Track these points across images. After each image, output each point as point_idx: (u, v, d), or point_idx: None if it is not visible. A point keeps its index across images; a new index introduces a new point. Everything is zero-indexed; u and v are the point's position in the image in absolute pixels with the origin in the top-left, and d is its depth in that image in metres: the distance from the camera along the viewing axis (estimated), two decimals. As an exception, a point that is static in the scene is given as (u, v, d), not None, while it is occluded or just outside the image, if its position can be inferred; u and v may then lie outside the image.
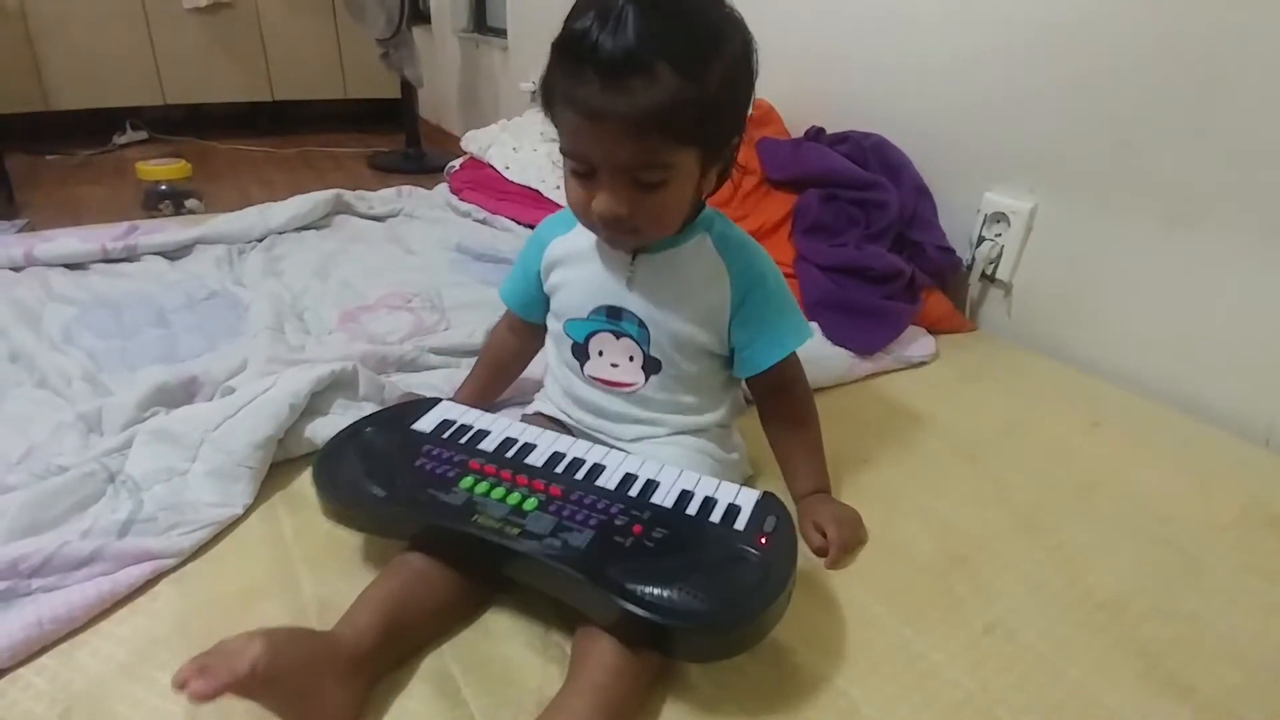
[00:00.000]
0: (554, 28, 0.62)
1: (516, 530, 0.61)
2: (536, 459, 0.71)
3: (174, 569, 0.70)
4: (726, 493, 0.67)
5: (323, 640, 0.56)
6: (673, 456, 0.76)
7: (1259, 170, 0.98)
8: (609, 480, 0.68)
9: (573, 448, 0.73)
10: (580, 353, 0.79)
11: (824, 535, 0.75)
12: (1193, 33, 1.01)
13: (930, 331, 1.26)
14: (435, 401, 0.80)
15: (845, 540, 0.75)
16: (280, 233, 1.57)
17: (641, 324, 0.74)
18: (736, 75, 0.63)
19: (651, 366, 0.76)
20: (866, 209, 1.31)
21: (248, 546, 0.74)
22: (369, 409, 0.87)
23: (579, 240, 0.77)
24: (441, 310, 1.25)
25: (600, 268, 0.75)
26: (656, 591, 0.56)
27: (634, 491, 0.67)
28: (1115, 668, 0.65)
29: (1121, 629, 0.69)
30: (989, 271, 1.33)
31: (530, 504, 0.64)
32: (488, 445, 0.72)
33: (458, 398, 0.91)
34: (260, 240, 1.54)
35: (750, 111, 0.69)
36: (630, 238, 0.68)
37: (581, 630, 0.60)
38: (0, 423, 0.89)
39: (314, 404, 0.87)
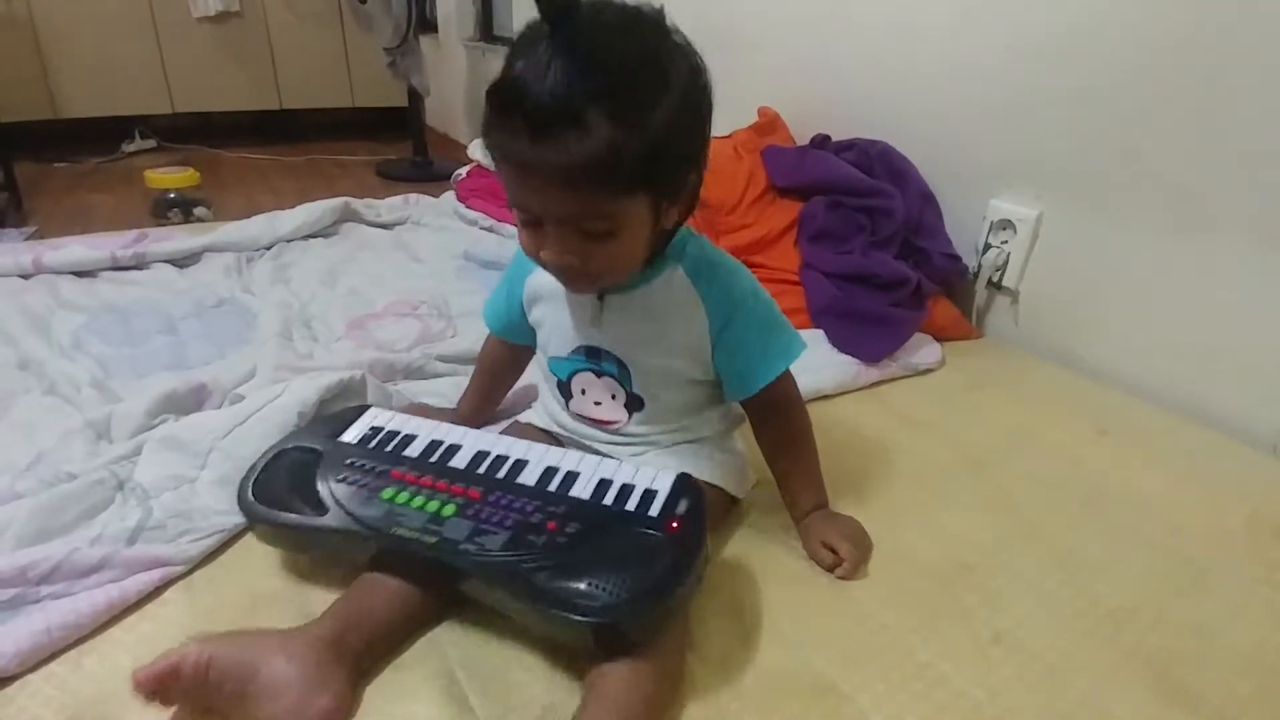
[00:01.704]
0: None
1: (434, 539, 0.62)
2: (460, 460, 0.71)
3: (183, 576, 0.71)
4: (644, 477, 0.68)
5: (272, 634, 0.58)
6: (676, 465, 0.74)
7: (1267, 175, 0.97)
8: (529, 476, 0.69)
9: (496, 445, 0.73)
10: (564, 390, 0.78)
11: (834, 552, 0.74)
12: (1198, 38, 1.01)
13: (936, 339, 1.25)
14: (364, 409, 0.80)
15: (857, 558, 0.74)
16: (288, 240, 1.58)
17: (621, 363, 0.73)
18: (684, 110, 0.58)
19: (634, 404, 0.75)
20: (872, 216, 1.31)
21: (256, 554, 0.74)
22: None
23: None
24: (449, 318, 1.26)
25: (572, 307, 0.74)
26: (566, 585, 0.57)
27: (553, 486, 0.68)
28: (1124, 678, 0.65)
29: (1130, 638, 0.69)
30: (995, 278, 1.32)
31: (448, 510, 0.65)
32: (413, 451, 0.73)
33: (460, 409, 0.91)
34: (268, 248, 1.55)
35: (709, 140, 0.64)
36: (588, 284, 0.66)
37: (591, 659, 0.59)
38: (9, 430, 0.90)
39: (322, 412, 0.87)
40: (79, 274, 1.37)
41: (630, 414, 0.76)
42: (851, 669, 0.64)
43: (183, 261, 1.46)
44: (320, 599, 0.68)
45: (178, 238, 1.52)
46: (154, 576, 0.68)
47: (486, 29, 3.30)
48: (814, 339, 1.17)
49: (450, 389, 0.99)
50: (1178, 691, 0.63)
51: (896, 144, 1.40)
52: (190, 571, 0.71)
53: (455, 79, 3.47)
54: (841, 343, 1.17)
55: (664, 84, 0.56)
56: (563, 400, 0.79)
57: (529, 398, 0.95)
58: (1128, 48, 1.08)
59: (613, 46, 0.54)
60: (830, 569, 0.74)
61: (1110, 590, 0.74)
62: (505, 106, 0.55)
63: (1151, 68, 1.06)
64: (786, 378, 0.75)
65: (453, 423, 0.81)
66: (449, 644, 0.64)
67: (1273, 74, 0.94)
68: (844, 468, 0.87)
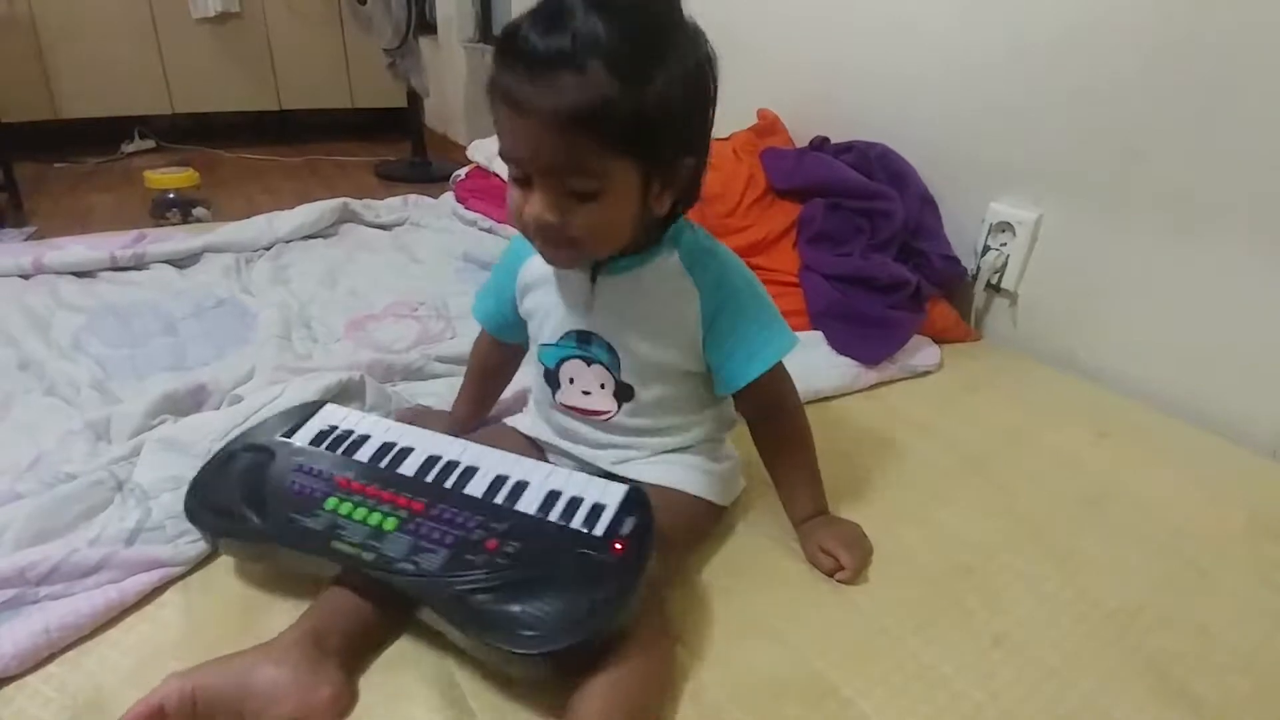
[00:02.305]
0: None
1: (372, 555, 0.62)
2: (410, 467, 0.71)
3: (181, 577, 0.70)
4: (594, 491, 0.67)
5: (249, 650, 0.58)
6: (660, 475, 0.74)
7: (1266, 178, 0.97)
8: (478, 486, 0.68)
9: (448, 449, 0.73)
10: (551, 379, 0.77)
11: (833, 557, 0.73)
12: (1199, 40, 1.01)
13: (935, 341, 1.25)
14: (319, 405, 0.79)
15: (858, 563, 0.74)
16: (287, 241, 1.58)
17: (611, 349, 0.72)
18: (685, 89, 0.59)
19: (623, 393, 0.74)
20: (871, 218, 1.31)
21: (255, 555, 0.74)
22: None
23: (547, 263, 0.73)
24: (447, 319, 1.26)
25: (564, 291, 0.73)
26: (500, 610, 0.56)
27: (500, 498, 0.67)
28: (1125, 679, 0.65)
29: (1131, 640, 0.69)
30: (994, 281, 1.32)
31: (390, 524, 0.64)
32: (363, 454, 0.72)
33: (455, 412, 0.91)
34: (268, 249, 1.55)
35: (711, 134, 0.65)
36: (566, 251, 0.64)
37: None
38: (9, 430, 0.90)
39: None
40: (79, 274, 1.37)
41: (619, 404, 0.75)
42: (852, 672, 0.64)
43: (182, 262, 1.46)
44: (320, 600, 0.68)
45: (177, 238, 1.51)
46: (153, 577, 0.68)
47: (486, 30, 3.30)
48: (813, 341, 1.18)
49: (448, 390, 0.99)
50: (1179, 693, 0.63)
51: (896, 146, 1.40)
52: (189, 573, 0.71)
53: (455, 80, 3.48)
54: (840, 345, 1.17)
55: (663, 56, 0.58)
56: (549, 392, 0.77)
57: (524, 402, 0.95)
58: (1127, 50, 1.08)
59: (628, 13, 0.56)
60: (829, 574, 0.74)
61: (1111, 592, 0.74)
62: (511, 47, 0.57)
63: (1151, 70, 1.06)
64: (780, 376, 0.74)
65: (449, 425, 0.81)
66: (447, 644, 0.63)
67: (1272, 76, 0.95)
68: (843, 470, 0.87)
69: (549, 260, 0.69)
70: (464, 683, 0.61)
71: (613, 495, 0.66)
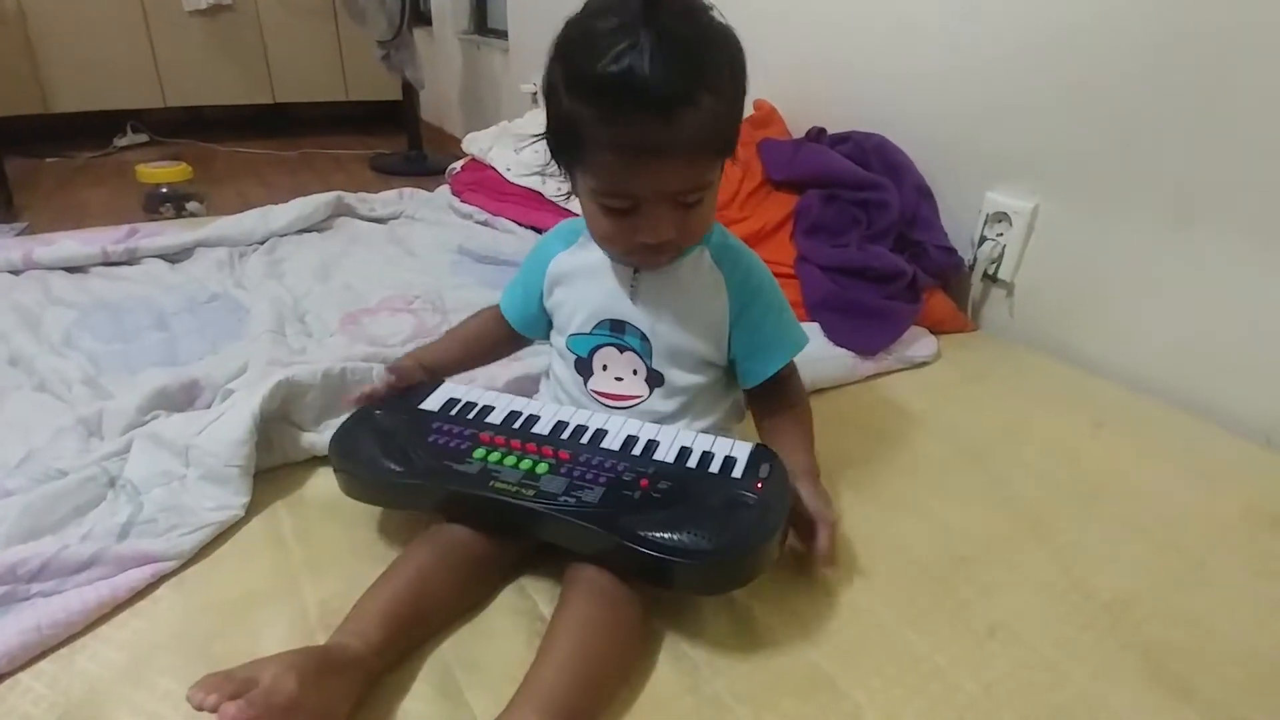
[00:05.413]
0: (555, 30, 0.62)
1: (531, 492, 0.65)
2: (542, 428, 0.74)
3: (174, 573, 0.70)
4: (722, 446, 0.71)
5: (331, 657, 0.56)
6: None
7: (1262, 169, 0.97)
8: (613, 443, 0.72)
9: (575, 416, 0.76)
10: (584, 368, 0.79)
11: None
12: (1196, 30, 1.00)
13: (932, 332, 1.25)
14: (439, 383, 0.82)
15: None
16: (282, 235, 1.57)
17: (644, 337, 0.75)
18: (741, 82, 0.65)
19: (654, 380, 0.77)
20: (868, 209, 1.31)
21: (248, 550, 0.74)
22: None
23: (580, 256, 0.77)
24: (443, 312, 1.25)
25: (603, 283, 0.76)
26: (666, 535, 0.61)
27: (637, 451, 0.71)
28: (1120, 670, 0.65)
29: (1126, 631, 0.69)
30: (991, 271, 1.32)
31: (542, 468, 0.68)
32: (495, 419, 0.75)
33: (420, 354, 0.86)
34: (261, 243, 1.54)
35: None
36: (670, 256, 0.70)
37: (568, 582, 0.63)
38: (0, 426, 0.89)
39: (298, 408, 0.87)
40: (70, 270, 1.36)
41: (651, 390, 0.77)
42: (847, 663, 0.64)
43: (175, 256, 1.45)
44: (313, 595, 0.68)
45: (170, 233, 1.51)
46: (145, 573, 0.68)
47: (481, 22, 3.28)
48: (810, 332, 1.15)
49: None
50: (1174, 683, 0.63)
51: (892, 137, 1.40)
52: (182, 568, 0.71)
53: (449, 72, 3.46)
54: (837, 336, 1.17)
55: (731, 62, 0.63)
56: (581, 380, 0.79)
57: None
58: (1124, 40, 1.08)
59: (695, 34, 0.60)
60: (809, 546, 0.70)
61: (1106, 582, 0.74)
62: (619, 98, 0.59)
63: (1148, 60, 1.05)
64: (794, 369, 0.79)
65: (405, 363, 0.83)
66: (443, 637, 0.64)
67: (1269, 68, 0.94)
68: (839, 461, 0.87)
69: (650, 266, 0.73)
70: (460, 676, 0.60)
71: (741, 449, 0.71)
